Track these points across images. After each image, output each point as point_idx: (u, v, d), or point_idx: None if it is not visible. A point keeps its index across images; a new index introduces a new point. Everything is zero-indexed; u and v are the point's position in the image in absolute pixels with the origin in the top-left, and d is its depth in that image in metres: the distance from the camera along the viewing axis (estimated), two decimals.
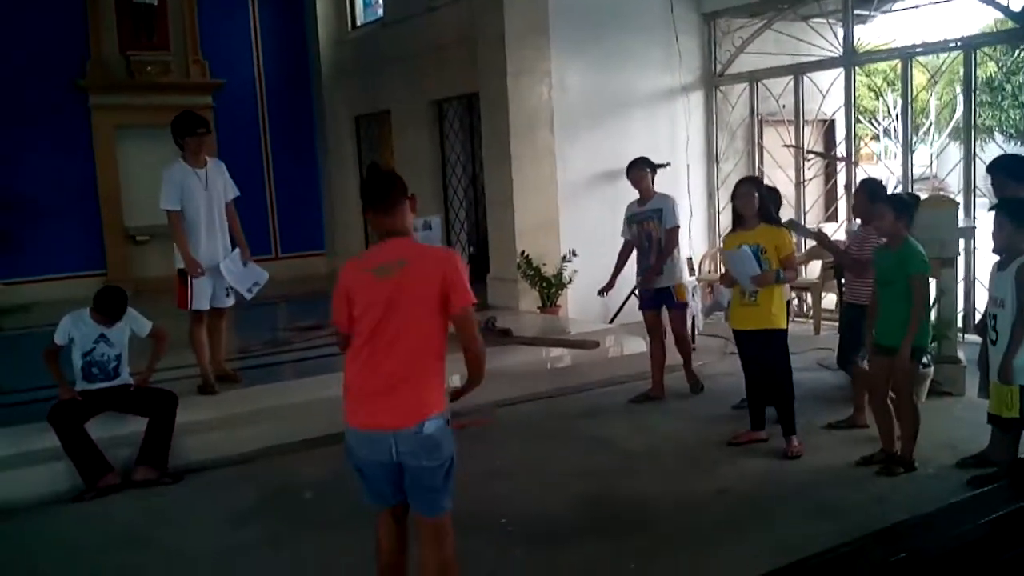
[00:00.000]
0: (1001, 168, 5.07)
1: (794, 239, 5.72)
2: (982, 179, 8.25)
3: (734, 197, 5.60)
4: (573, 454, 5.63)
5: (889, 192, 5.97)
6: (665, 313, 6.79)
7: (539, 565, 4.11)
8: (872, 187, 5.73)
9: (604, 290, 6.91)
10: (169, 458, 5.40)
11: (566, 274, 8.98)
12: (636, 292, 7.03)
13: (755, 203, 5.41)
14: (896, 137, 20.70)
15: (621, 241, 6.86)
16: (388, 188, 3.27)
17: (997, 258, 4.92)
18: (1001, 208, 4.52)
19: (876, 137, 21.54)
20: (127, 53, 12.48)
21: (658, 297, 6.67)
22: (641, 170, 6.66)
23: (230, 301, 6.50)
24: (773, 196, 5.97)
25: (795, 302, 9.23)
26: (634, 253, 6.82)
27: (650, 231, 6.59)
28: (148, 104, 12.16)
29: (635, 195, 6.76)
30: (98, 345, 5.45)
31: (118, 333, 5.52)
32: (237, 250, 6.41)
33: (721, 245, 7.18)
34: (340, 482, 5.04)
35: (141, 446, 5.32)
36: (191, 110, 6.71)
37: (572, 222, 9.22)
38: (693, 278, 9.16)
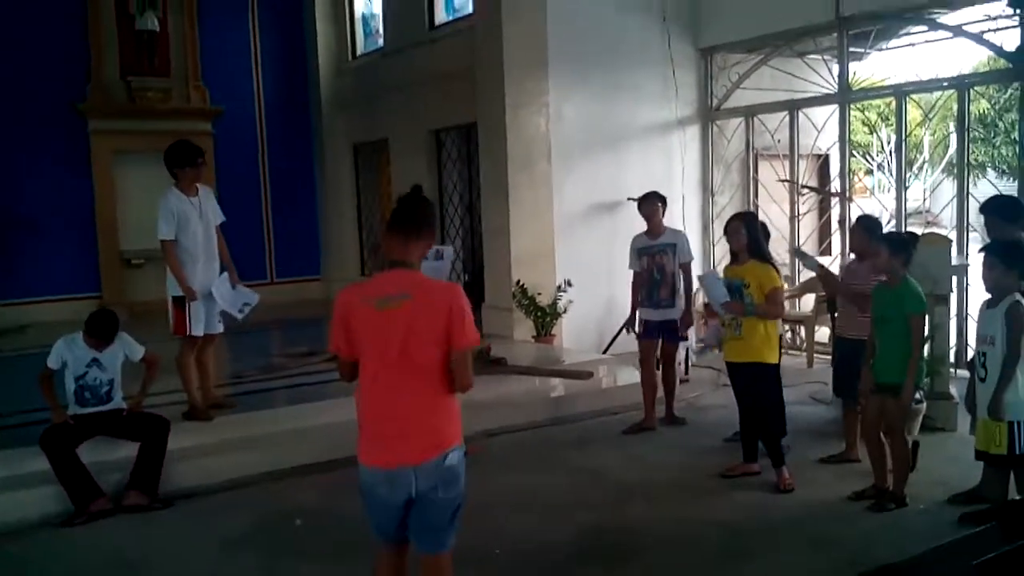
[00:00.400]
0: (993, 209, 5.13)
1: (787, 273, 5.75)
2: (975, 216, 8.36)
3: (725, 234, 5.69)
4: (566, 484, 5.63)
5: (884, 228, 6.03)
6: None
7: None
8: (868, 224, 5.78)
9: (629, 325, 7.03)
10: (160, 483, 5.38)
11: (561, 304, 9.00)
12: (630, 324, 7.05)
13: (742, 239, 5.50)
14: (890, 172, 20.94)
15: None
16: (421, 217, 3.19)
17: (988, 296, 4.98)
18: (990, 249, 4.58)
19: (870, 172, 21.73)
20: (128, 78, 12.57)
21: (661, 328, 6.76)
22: (654, 204, 6.79)
23: (221, 327, 6.49)
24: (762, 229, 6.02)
25: (788, 335, 9.26)
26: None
27: (663, 264, 6.69)
28: (148, 129, 12.21)
29: (634, 227, 6.85)
30: (91, 369, 5.45)
31: (111, 357, 5.52)
32: (225, 273, 6.42)
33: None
34: (333, 510, 5.06)
35: (132, 471, 5.31)
36: (186, 139, 6.68)
37: (568, 252, 9.27)
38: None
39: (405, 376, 3.03)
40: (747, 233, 5.50)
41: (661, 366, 6.93)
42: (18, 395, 6.82)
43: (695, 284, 6.75)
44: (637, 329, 7.02)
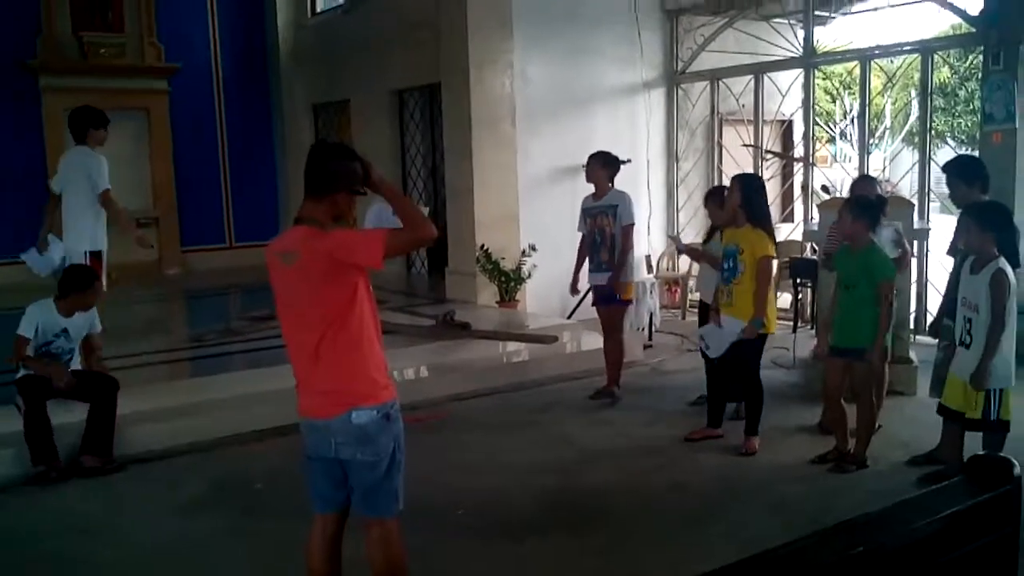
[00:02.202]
0: (954, 171, 5.14)
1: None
2: (935, 182, 8.44)
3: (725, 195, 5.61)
4: (531, 448, 5.60)
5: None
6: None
7: (497, 558, 4.07)
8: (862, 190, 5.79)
9: (574, 289, 6.84)
10: (116, 447, 5.27)
11: (525, 268, 8.94)
12: (572, 287, 6.92)
13: (733, 201, 5.38)
14: (851, 140, 21.10)
15: (579, 236, 6.78)
16: (316, 175, 3.05)
17: (951, 260, 5.00)
18: (968, 212, 4.59)
19: (832, 140, 21.87)
20: (80, 34, 12.16)
21: (610, 292, 6.57)
22: (594, 165, 6.57)
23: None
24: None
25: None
26: None
27: (603, 227, 6.49)
28: (101, 87, 11.85)
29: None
30: (57, 339, 5.29)
31: (78, 328, 5.38)
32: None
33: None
34: (291, 473, 4.96)
35: (84, 434, 5.17)
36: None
37: (532, 216, 9.19)
38: (651, 275, 9.18)
39: (308, 332, 2.98)
40: (741, 195, 5.36)
41: (604, 333, 6.72)
42: None
43: (634, 254, 6.59)
44: (586, 295, 6.91)
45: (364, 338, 3.02)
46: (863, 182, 6.13)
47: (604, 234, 6.49)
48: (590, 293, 6.83)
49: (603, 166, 6.54)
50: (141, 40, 12.60)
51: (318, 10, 13.31)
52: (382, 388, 3.05)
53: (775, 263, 5.40)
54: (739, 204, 5.37)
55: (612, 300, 6.54)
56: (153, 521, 4.57)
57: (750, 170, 9.78)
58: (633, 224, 6.54)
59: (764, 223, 5.41)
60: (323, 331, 2.96)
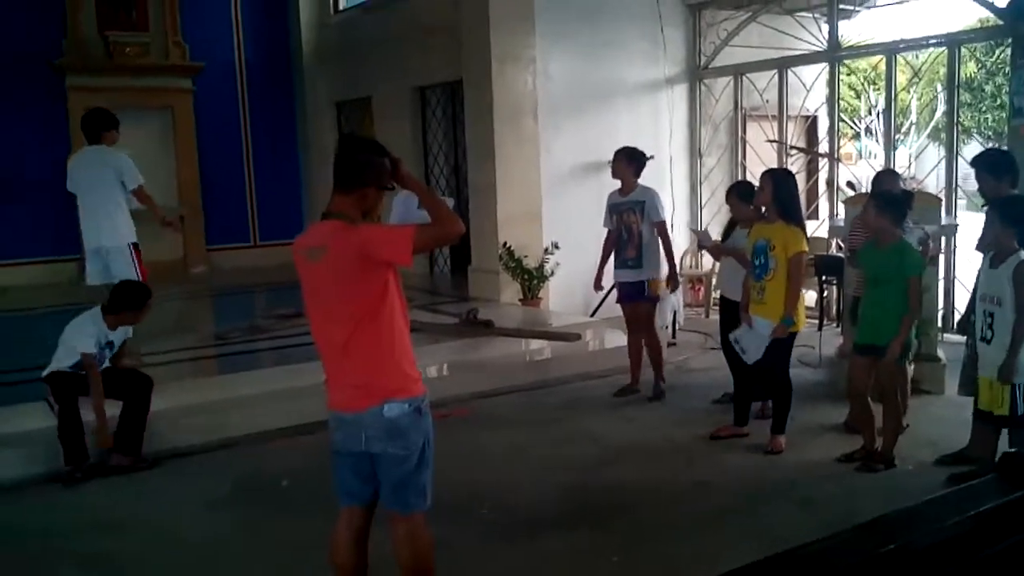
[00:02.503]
0: (983, 165, 5.09)
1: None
2: (962, 178, 8.35)
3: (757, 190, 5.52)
4: (554, 446, 5.59)
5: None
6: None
7: (520, 554, 4.07)
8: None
9: (598, 285, 6.80)
10: (145, 443, 5.31)
11: (548, 266, 8.93)
12: (596, 283, 6.88)
13: (765, 196, 5.31)
14: (876, 136, 20.89)
15: (603, 234, 6.75)
16: (344, 169, 3.05)
17: (980, 256, 4.94)
18: (992, 206, 4.53)
19: (857, 136, 21.69)
20: (105, 33, 12.26)
21: (635, 291, 6.56)
22: (619, 160, 6.53)
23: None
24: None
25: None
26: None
27: (630, 223, 6.45)
28: (126, 86, 11.98)
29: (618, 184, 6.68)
30: (101, 351, 5.31)
31: (119, 339, 5.44)
32: None
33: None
34: (317, 470, 4.98)
35: (115, 432, 5.21)
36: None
37: (555, 213, 9.17)
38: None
39: (338, 327, 2.98)
40: (773, 189, 5.28)
41: (629, 330, 6.71)
42: None
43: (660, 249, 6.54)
44: (609, 292, 6.89)
45: (395, 331, 3.02)
46: (886, 176, 6.06)
47: (631, 231, 6.45)
48: (614, 290, 6.80)
49: (629, 161, 6.50)
50: (166, 39, 12.68)
51: (341, 8, 13.35)
52: (413, 382, 3.06)
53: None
54: (771, 199, 5.30)
55: (640, 297, 6.50)
56: (180, 517, 4.59)
57: (774, 166, 9.72)
58: (663, 220, 6.52)
59: (797, 218, 5.34)
60: (353, 325, 2.96)
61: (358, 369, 3.00)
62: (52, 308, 5.94)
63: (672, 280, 6.57)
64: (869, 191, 6.06)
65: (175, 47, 12.76)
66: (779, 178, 5.45)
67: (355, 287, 2.95)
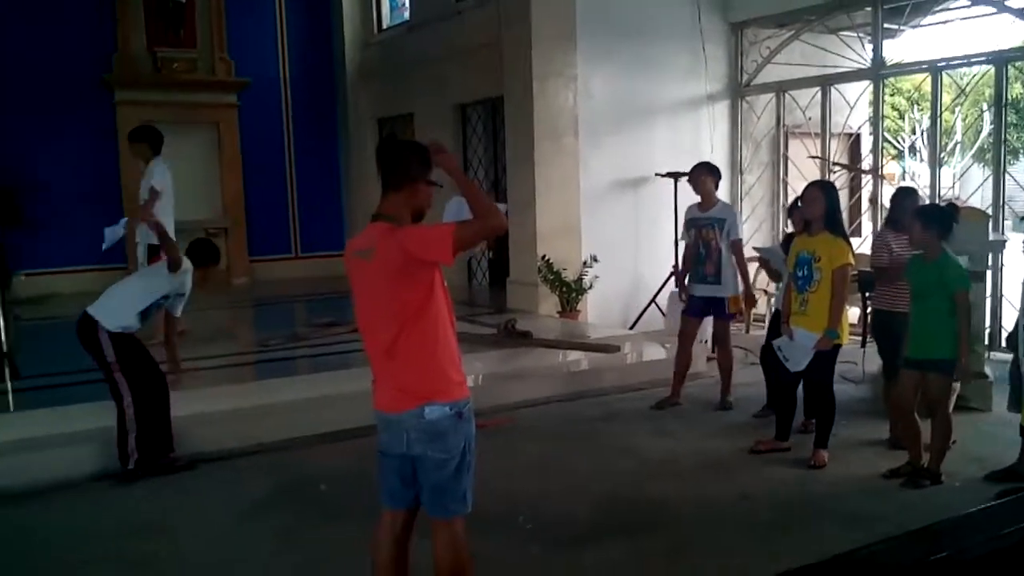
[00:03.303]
0: None
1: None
2: (1009, 199, 8.24)
3: (801, 201, 5.47)
4: (593, 457, 5.57)
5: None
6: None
7: (559, 565, 4.05)
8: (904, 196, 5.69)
9: (682, 295, 6.82)
10: (184, 446, 5.39)
11: (586, 279, 8.92)
12: (655, 301, 6.92)
13: (818, 208, 5.25)
14: (918, 156, 20.64)
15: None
16: (388, 168, 3.08)
17: None
18: None
19: (899, 156, 21.46)
20: (154, 50, 12.52)
21: (707, 306, 6.56)
22: (700, 175, 6.55)
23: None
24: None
25: None
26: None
27: (709, 239, 6.47)
28: (173, 101, 12.23)
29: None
30: (167, 300, 5.48)
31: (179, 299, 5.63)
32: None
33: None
34: (354, 475, 5.03)
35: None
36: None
37: (593, 227, 9.18)
38: None
39: (384, 328, 3.00)
40: (826, 203, 5.26)
41: (716, 346, 6.78)
42: (43, 359, 6.88)
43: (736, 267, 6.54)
44: (648, 305, 6.91)
45: (440, 334, 3.02)
46: (905, 194, 5.94)
47: (710, 247, 6.48)
48: (655, 305, 6.81)
49: (711, 175, 6.56)
50: (212, 55, 12.92)
51: (384, 26, 13.52)
52: (456, 385, 3.05)
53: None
54: (822, 212, 5.25)
55: (718, 313, 6.57)
56: (214, 520, 4.63)
57: None
58: (741, 239, 6.58)
59: (843, 231, 5.33)
60: (399, 327, 2.97)
61: (402, 370, 3.01)
62: None
63: (748, 298, 6.65)
64: (889, 209, 6.00)
65: (221, 63, 12.99)
66: (828, 190, 5.43)
67: (400, 288, 2.96)
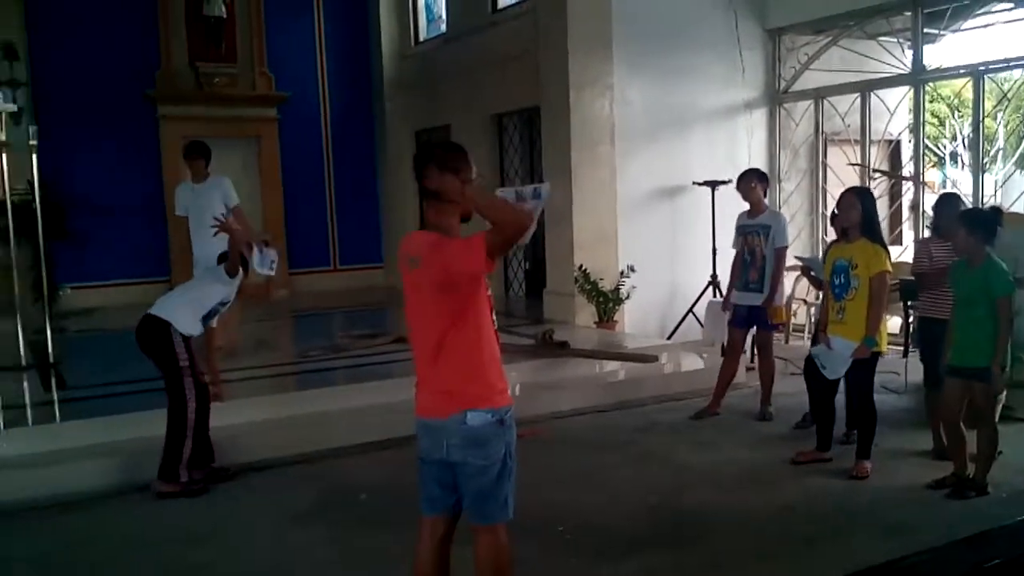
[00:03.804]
0: None
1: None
2: None
3: (838, 207, 5.43)
4: (631, 467, 5.55)
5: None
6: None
7: (598, 575, 4.03)
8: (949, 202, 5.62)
9: (726, 305, 6.79)
10: (227, 456, 5.45)
11: (624, 289, 8.90)
12: (724, 304, 6.83)
13: (855, 215, 5.23)
14: (959, 163, 20.30)
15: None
16: (425, 174, 3.08)
17: None
18: None
19: (940, 163, 21.13)
20: (196, 64, 12.74)
21: (751, 315, 6.51)
22: (749, 182, 6.52)
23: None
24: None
25: None
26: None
27: (754, 247, 6.44)
28: (215, 115, 12.41)
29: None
30: (222, 307, 5.54)
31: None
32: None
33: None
34: (394, 485, 5.06)
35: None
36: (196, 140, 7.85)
37: (630, 237, 9.15)
38: None
39: (429, 332, 3.04)
40: (862, 209, 5.24)
41: (756, 356, 6.75)
42: (90, 371, 7.02)
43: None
44: (687, 315, 6.86)
45: (483, 341, 3.04)
46: (949, 200, 5.84)
47: (755, 254, 6.44)
48: (692, 314, 6.77)
49: (761, 181, 6.54)
50: (253, 70, 13.11)
51: (421, 39, 13.63)
52: (498, 392, 3.07)
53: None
54: (859, 220, 5.22)
55: (759, 324, 6.51)
56: (260, 530, 4.68)
57: None
58: (786, 247, 6.49)
59: (880, 238, 5.29)
60: (442, 333, 3.01)
61: (445, 376, 3.04)
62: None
63: (770, 305, 6.43)
64: (932, 216, 5.91)
65: (262, 77, 13.17)
66: (868, 196, 5.41)
67: (444, 297, 2.99)
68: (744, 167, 9.81)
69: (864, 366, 5.24)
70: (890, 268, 5.23)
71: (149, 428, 5.31)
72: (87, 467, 5.27)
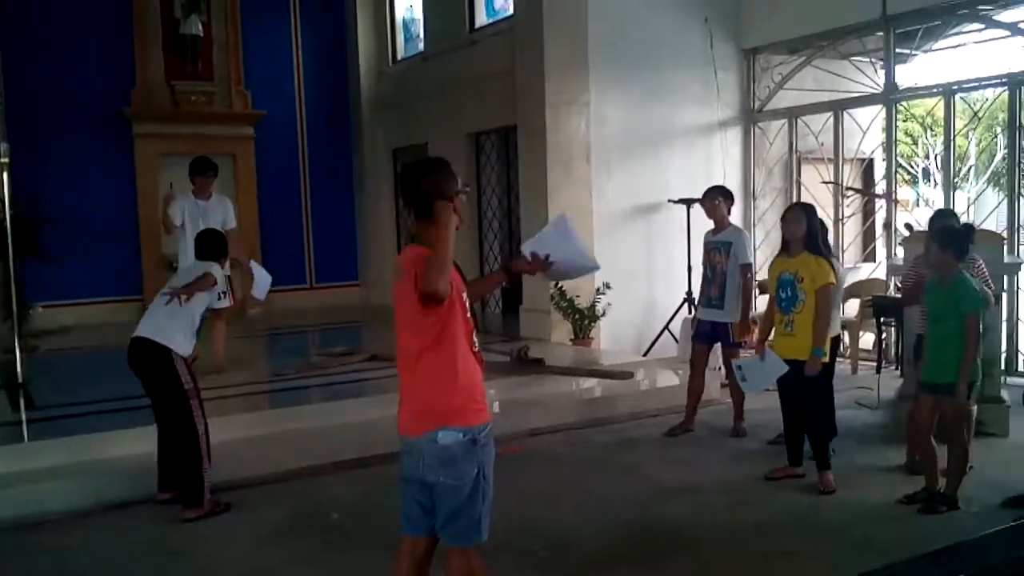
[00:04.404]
0: None
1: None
2: None
3: (782, 221, 5.51)
4: (607, 484, 5.55)
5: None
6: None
7: None
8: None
9: (693, 322, 6.82)
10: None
11: (600, 307, 8.91)
12: (668, 328, 6.88)
13: (800, 229, 5.31)
14: (932, 181, 20.58)
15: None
16: (412, 192, 3.07)
17: None
18: None
19: (913, 181, 21.40)
20: (172, 82, 12.69)
21: (714, 332, 6.52)
22: (714, 199, 6.56)
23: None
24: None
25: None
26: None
27: (715, 263, 6.47)
28: (191, 133, 12.34)
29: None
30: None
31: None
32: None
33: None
34: (367, 504, 5.03)
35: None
36: (204, 156, 8.15)
37: (607, 255, 9.10)
38: None
39: (407, 348, 3.04)
40: (807, 224, 5.31)
41: (693, 369, 6.70)
42: (58, 391, 6.93)
43: (755, 290, 6.54)
44: (662, 332, 6.89)
45: (458, 358, 3.01)
46: (944, 216, 5.95)
47: (715, 270, 6.46)
48: (668, 331, 6.80)
49: (725, 198, 6.58)
50: (229, 88, 13.07)
51: (399, 58, 13.66)
52: (473, 411, 3.02)
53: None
54: (804, 234, 5.29)
55: (722, 339, 6.50)
56: (232, 548, 4.63)
57: (830, 208, 9.63)
58: (749, 263, 6.50)
59: (823, 251, 5.36)
60: (420, 348, 2.99)
61: (421, 392, 3.03)
62: (118, 345, 6.19)
63: (743, 326, 6.42)
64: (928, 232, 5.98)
65: (238, 95, 13.13)
66: (810, 211, 5.48)
67: (417, 314, 2.95)
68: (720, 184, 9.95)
69: (819, 378, 5.27)
70: (835, 280, 5.31)
71: (119, 448, 5.27)
72: (56, 487, 5.19)
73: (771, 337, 5.54)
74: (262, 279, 6.67)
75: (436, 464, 2.98)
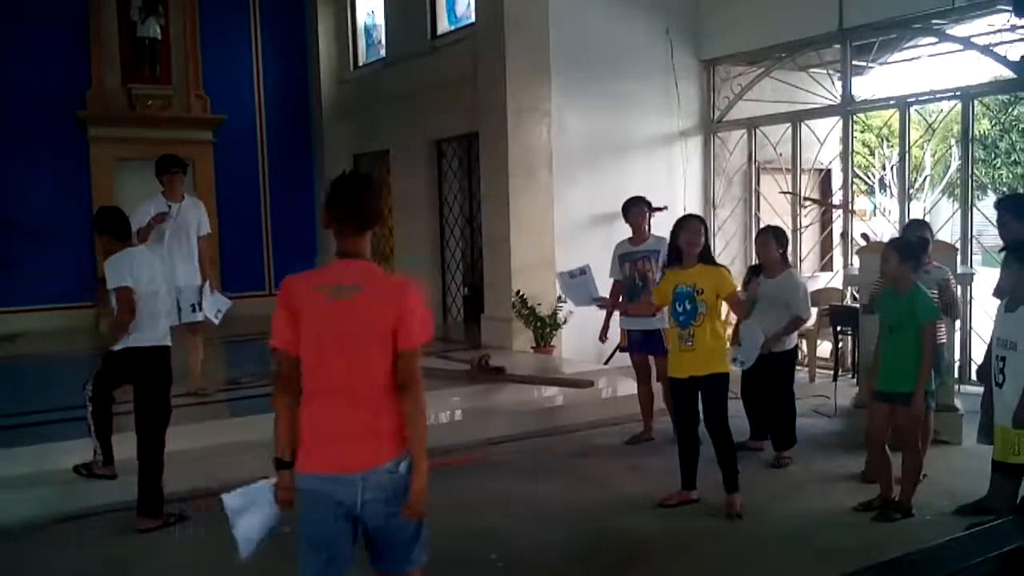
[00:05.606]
0: (1008, 206, 5.07)
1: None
2: (978, 232, 8.35)
3: (679, 231, 5.20)
4: (566, 492, 5.53)
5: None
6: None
7: None
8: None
9: (603, 335, 6.77)
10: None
11: (561, 315, 8.92)
12: (602, 333, 6.83)
13: (701, 240, 5.14)
14: (888, 191, 20.95)
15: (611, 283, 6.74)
16: (367, 209, 2.94)
17: (996, 302, 4.88)
18: (1010, 251, 4.46)
19: (870, 191, 21.75)
20: (129, 86, 12.53)
21: (647, 340, 6.46)
22: (642, 211, 6.59)
23: (198, 316, 6.97)
24: (781, 238, 6.16)
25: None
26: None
27: (646, 271, 6.46)
28: (148, 137, 12.13)
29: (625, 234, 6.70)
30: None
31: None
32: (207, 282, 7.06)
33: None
34: None
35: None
36: (172, 153, 7.47)
37: (568, 263, 9.08)
38: None
39: (353, 372, 2.80)
40: (705, 236, 5.18)
41: (639, 379, 6.65)
42: (11, 399, 6.77)
43: None
44: (621, 343, 6.90)
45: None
46: (917, 225, 6.03)
47: (647, 279, 6.44)
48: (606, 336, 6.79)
49: (649, 210, 6.61)
50: (188, 92, 12.93)
51: (360, 63, 13.60)
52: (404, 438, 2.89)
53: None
54: (702, 245, 5.17)
55: (655, 348, 6.37)
56: (182, 560, 4.58)
57: (788, 218, 9.73)
58: None
59: (715, 261, 5.33)
60: (389, 374, 2.82)
61: (371, 420, 2.81)
62: (71, 353, 6.02)
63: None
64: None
65: (197, 100, 13.00)
66: (704, 224, 5.36)
67: (387, 336, 2.81)
68: (680, 195, 10.02)
69: (722, 388, 5.12)
70: (735, 288, 5.26)
71: (74, 457, 5.14)
72: (9, 498, 5.08)
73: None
74: (220, 303, 6.60)
75: (391, 497, 2.81)
